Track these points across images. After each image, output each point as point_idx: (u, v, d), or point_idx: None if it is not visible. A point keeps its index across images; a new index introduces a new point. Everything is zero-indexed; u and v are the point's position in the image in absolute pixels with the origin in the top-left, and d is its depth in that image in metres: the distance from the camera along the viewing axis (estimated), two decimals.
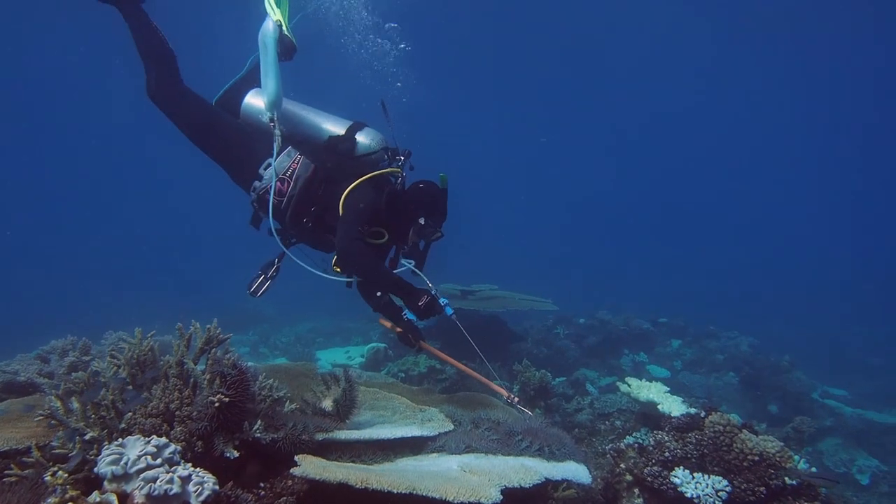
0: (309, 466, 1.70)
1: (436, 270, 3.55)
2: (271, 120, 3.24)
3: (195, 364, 1.99)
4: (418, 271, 3.44)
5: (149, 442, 1.47)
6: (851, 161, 34.69)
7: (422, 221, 3.29)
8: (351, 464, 2.03)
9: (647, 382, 3.90)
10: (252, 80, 3.56)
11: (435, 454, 2.38)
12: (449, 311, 3.29)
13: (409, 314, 3.41)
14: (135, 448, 1.45)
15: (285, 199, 3.35)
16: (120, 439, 1.49)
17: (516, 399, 3.42)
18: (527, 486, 1.99)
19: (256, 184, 3.39)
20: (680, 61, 25.32)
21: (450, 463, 2.14)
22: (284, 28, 3.44)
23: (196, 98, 3.33)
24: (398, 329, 3.64)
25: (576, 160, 39.30)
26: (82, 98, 27.28)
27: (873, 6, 18.75)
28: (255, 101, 3.42)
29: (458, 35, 23.02)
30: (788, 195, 38.84)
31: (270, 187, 3.27)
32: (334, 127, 3.38)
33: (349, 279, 3.40)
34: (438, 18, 20.52)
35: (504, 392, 3.46)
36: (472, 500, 1.69)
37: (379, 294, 3.65)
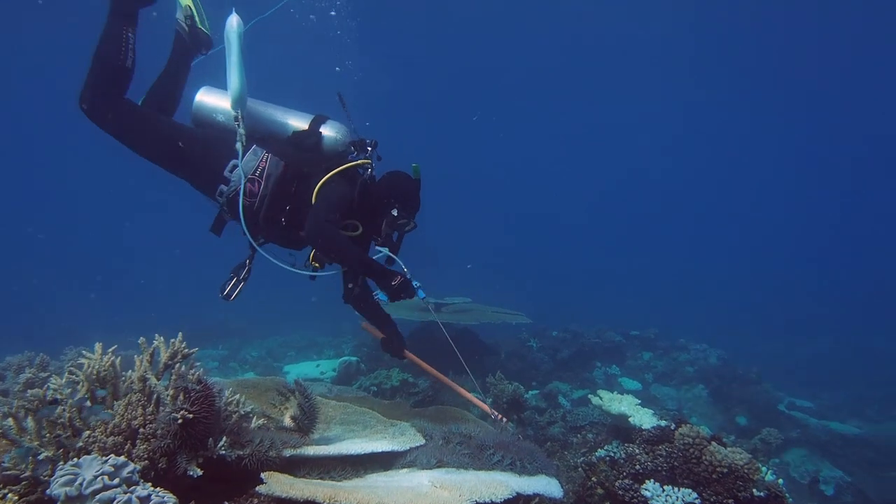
0: (275, 484, 1.66)
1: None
2: (236, 119, 3.11)
3: (159, 380, 1.94)
4: (395, 256, 3.30)
5: (106, 461, 1.42)
6: (818, 179, 36.00)
7: (395, 213, 3.23)
8: (319, 480, 2.00)
9: (619, 395, 3.93)
10: (175, 76, 3.38)
11: (406, 469, 2.35)
12: (421, 294, 3.17)
13: (380, 294, 3.27)
14: (91, 468, 1.39)
15: (257, 199, 3.20)
16: (76, 459, 1.44)
17: (504, 419, 3.40)
18: (497, 500, 1.98)
19: (223, 187, 3.19)
20: (660, 69, 25.89)
21: (420, 478, 2.12)
22: (197, 21, 3.33)
23: (139, 109, 3.11)
24: (381, 335, 3.58)
25: (549, 170, 39.81)
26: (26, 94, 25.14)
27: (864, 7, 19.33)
28: (208, 98, 3.24)
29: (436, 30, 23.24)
30: (759, 206, 39.74)
31: (240, 188, 3.11)
32: (296, 121, 3.30)
33: (314, 273, 3.31)
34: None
35: (489, 409, 3.45)
36: None
37: (350, 286, 3.57)
